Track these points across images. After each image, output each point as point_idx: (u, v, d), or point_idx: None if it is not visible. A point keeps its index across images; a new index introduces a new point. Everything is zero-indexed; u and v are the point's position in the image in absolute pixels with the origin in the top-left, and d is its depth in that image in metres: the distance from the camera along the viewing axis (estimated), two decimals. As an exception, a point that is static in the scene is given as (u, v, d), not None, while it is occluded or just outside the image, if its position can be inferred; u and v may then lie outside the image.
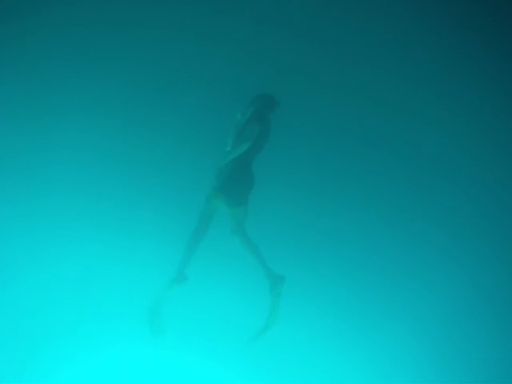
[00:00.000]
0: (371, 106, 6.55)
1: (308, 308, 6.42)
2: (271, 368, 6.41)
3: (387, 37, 6.49)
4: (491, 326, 6.41)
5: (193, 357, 6.34)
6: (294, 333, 6.37)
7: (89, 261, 6.34)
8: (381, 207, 6.62)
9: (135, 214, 6.43)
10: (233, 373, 6.33)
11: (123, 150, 6.45)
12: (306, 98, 6.43)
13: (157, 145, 6.50)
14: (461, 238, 6.52)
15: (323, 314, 6.46)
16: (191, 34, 6.48)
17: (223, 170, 4.98)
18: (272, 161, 5.70)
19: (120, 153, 6.45)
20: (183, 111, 6.48)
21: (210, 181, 5.02)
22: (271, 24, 6.47)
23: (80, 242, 6.35)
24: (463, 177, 6.53)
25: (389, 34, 6.46)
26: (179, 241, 5.10)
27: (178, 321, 5.73)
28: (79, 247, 6.34)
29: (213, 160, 5.07)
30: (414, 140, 6.60)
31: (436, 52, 6.46)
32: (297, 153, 6.53)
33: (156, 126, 6.52)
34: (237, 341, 5.52)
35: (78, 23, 6.43)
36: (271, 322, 4.79)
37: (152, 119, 6.52)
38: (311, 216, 6.58)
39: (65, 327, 6.27)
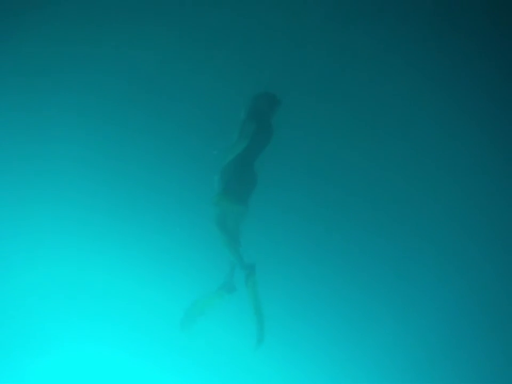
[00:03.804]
0: (376, 110, 6.50)
1: (302, 310, 6.37)
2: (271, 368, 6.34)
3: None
4: (490, 328, 6.37)
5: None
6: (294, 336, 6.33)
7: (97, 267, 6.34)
8: (380, 209, 6.58)
9: (138, 215, 6.39)
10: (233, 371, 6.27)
11: (125, 149, 6.41)
12: (312, 102, 6.39)
13: (159, 145, 6.43)
14: (461, 238, 6.50)
15: (320, 315, 6.41)
16: (198, 31, 6.41)
17: (225, 171, 4.91)
18: (277, 163, 5.69)
19: (122, 153, 6.41)
20: (188, 111, 6.43)
21: (213, 183, 4.97)
22: (283, 24, 6.43)
23: (91, 249, 6.35)
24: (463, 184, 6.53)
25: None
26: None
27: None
28: (91, 253, 6.34)
29: (217, 160, 5.03)
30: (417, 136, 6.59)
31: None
32: (300, 156, 6.47)
33: (159, 126, 6.44)
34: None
35: (80, 25, 6.41)
36: (259, 320, 4.72)
37: (155, 119, 6.44)
38: (311, 219, 6.53)
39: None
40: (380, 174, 6.52)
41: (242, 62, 6.39)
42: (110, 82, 6.34)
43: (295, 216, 6.47)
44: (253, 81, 6.05)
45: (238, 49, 6.41)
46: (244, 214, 4.95)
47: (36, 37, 6.31)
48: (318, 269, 6.41)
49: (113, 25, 6.39)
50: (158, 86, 6.42)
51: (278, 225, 6.40)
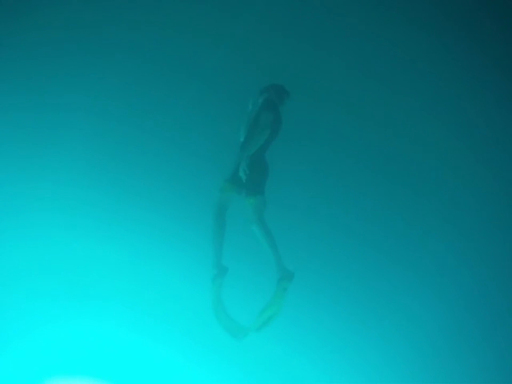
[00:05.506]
0: (382, 100, 6.46)
1: (308, 304, 6.35)
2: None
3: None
4: (491, 329, 6.39)
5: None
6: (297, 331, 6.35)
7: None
8: (390, 205, 6.55)
9: (147, 211, 6.39)
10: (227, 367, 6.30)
11: (132, 146, 6.42)
12: (317, 92, 6.38)
13: (166, 139, 6.43)
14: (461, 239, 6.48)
15: (325, 312, 6.41)
16: (201, 24, 6.41)
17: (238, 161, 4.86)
18: (284, 153, 5.60)
19: (129, 149, 6.42)
20: (194, 104, 6.42)
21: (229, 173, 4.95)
22: (285, 16, 6.43)
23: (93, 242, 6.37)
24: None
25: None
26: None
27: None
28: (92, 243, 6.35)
29: (227, 152, 5.04)
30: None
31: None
32: (307, 146, 6.47)
33: (165, 119, 6.44)
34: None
35: (79, 21, 6.40)
36: (269, 315, 4.67)
37: (161, 113, 6.44)
38: (321, 209, 6.54)
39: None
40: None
41: (246, 55, 6.41)
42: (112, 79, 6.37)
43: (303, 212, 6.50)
44: (255, 75, 6.10)
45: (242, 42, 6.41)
46: (262, 203, 4.93)
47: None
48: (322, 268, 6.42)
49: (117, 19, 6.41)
50: (158, 81, 6.44)
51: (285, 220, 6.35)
